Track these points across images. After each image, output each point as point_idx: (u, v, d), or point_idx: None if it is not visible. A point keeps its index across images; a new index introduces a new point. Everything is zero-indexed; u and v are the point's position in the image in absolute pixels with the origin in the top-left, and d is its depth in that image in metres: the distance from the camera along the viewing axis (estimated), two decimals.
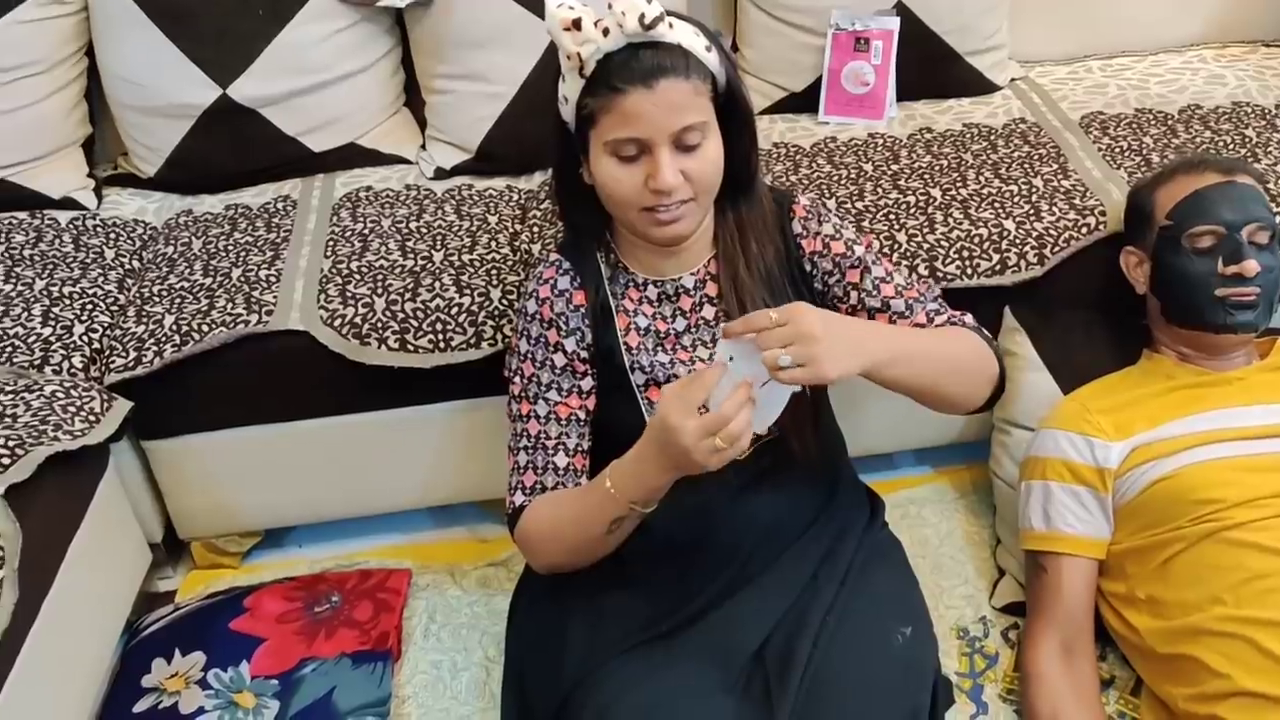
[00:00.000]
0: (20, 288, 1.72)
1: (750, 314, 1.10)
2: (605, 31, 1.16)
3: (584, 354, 1.34)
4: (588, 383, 1.35)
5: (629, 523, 1.22)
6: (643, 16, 1.14)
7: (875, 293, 1.33)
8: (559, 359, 1.34)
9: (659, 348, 1.34)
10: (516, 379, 1.36)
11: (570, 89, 1.21)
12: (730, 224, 1.34)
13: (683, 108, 1.17)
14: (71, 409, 1.51)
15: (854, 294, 1.34)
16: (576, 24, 1.16)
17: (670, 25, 1.17)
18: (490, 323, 1.62)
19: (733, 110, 1.25)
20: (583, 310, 1.34)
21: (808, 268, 1.36)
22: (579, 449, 1.33)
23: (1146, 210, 1.57)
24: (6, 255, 1.79)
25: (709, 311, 1.35)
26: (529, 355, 1.35)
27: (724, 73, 1.23)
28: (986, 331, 1.33)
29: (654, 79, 1.16)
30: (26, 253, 1.80)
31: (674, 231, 1.25)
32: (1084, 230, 1.70)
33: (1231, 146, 1.83)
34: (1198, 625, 1.33)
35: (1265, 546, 1.33)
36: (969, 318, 1.34)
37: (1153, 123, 1.93)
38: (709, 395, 1.08)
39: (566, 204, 1.37)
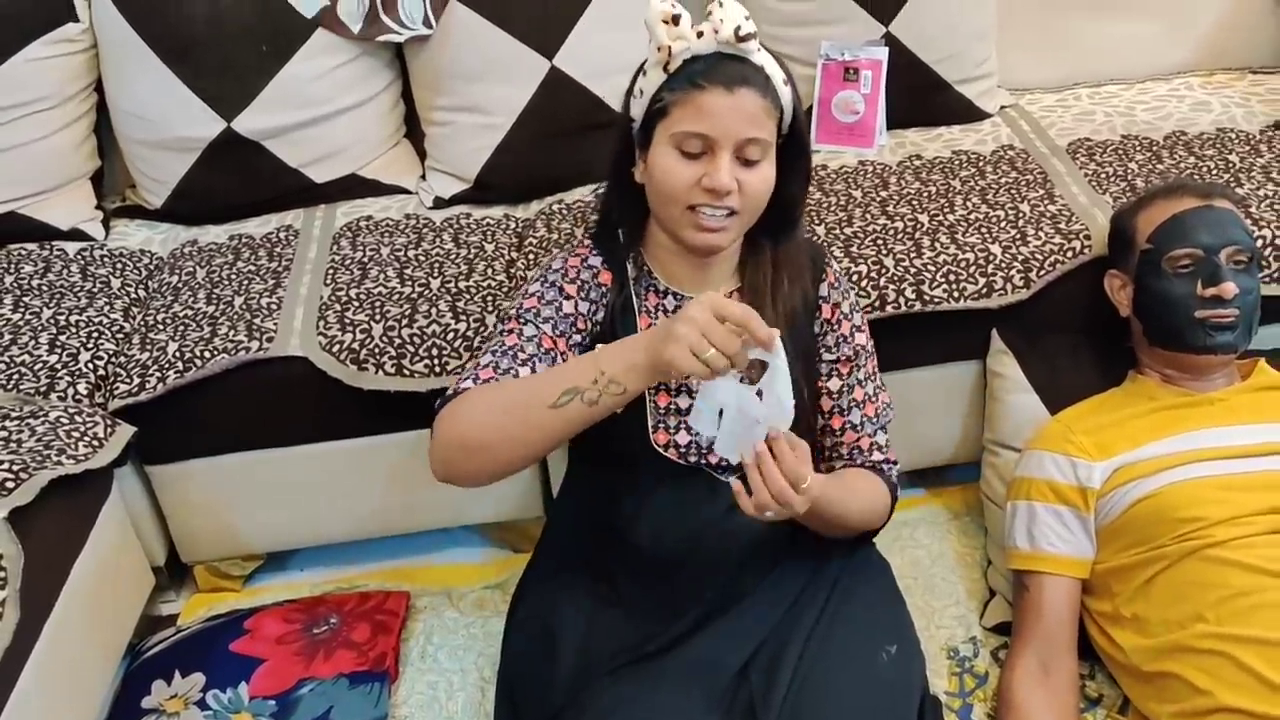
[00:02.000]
0: (28, 316, 1.76)
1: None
2: (699, 34, 1.20)
3: (592, 322, 1.34)
4: (578, 339, 1.33)
5: (574, 409, 1.12)
6: (738, 29, 1.19)
7: (847, 391, 1.39)
8: (567, 306, 1.32)
9: None
10: (513, 309, 1.33)
11: (650, 82, 1.25)
12: (766, 259, 1.36)
13: (754, 120, 1.21)
14: (76, 434, 1.54)
15: (834, 380, 1.40)
16: (675, 20, 1.20)
17: (759, 48, 1.23)
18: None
19: (792, 148, 1.29)
20: (605, 289, 1.35)
21: (817, 330, 1.40)
22: None
23: (1128, 234, 1.60)
24: (15, 285, 1.83)
25: None
26: (538, 294, 1.33)
27: (793, 111, 1.28)
28: (895, 482, 1.42)
29: (735, 85, 1.20)
30: (35, 282, 1.84)
31: (711, 240, 1.27)
32: (1069, 254, 1.72)
33: (1215, 172, 1.85)
34: (1181, 643, 1.35)
35: (1247, 564, 1.34)
36: (895, 468, 1.42)
37: (1138, 149, 1.95)
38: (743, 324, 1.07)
39: (615, 198, 1.39)
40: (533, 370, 1.25)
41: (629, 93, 1.29)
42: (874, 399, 1.41)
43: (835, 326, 1.39)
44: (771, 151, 1.26)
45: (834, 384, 1.39)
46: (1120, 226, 1.64)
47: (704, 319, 1.05)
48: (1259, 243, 1.70)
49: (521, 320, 1.30)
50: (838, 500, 1.29)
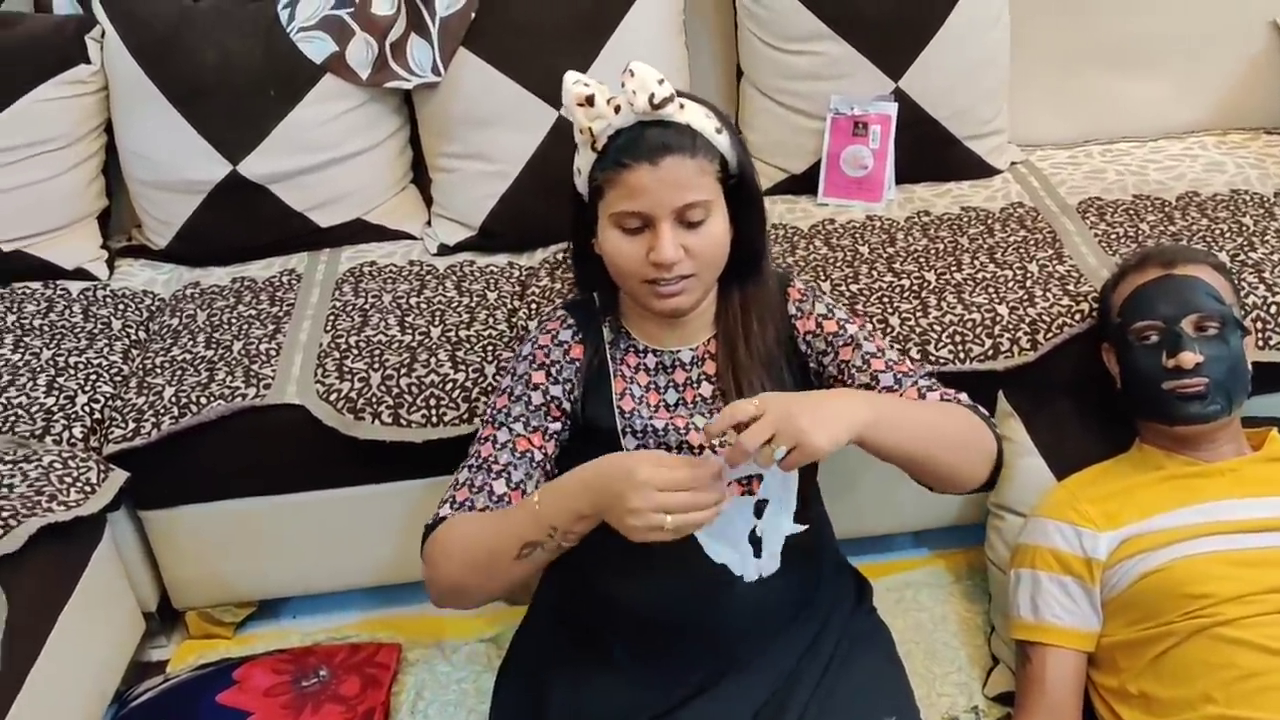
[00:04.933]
0: (28, 357, 1.76)
1: (732, 406, 1.09)
2: (617, 109, 1.20)
3: (565, 404, 1.34)
4: (556, 427, 1.33)
5: (539, 556, 1.18)
6: (652, 96, 1.18)
7: (865, 367, 1.33)
8: (536, 397, 1.33)
9: (653, 415, 1.35)
10: (488, 411, 1.35)
11: (583, 161, 1.25)
12: (735, 304, 1.35)
13: (686, 185, 1.20)
14: (68, 479, 1.53)
15: (847, 370, 1.34)
16: (589, 100, 1.20)
17: (681, 106, 1.21)
18: (484, 398, 1.64)
19: (741, 192, 1.28)
20: (577, 364, 1.35)
21: (802, 348, 1.37)
22: (520, 485, 1.28)
23: (1107, 307, 1.61)
24: (17, 324, 1.83)
25: (706, 389, 1.35)
26: (508, 390, 1.35)
27: (734, 155, 1.26)
28: (983, 409, 1.33)
29: (659, 156, 1.19)
30: (36, 322, 1.84)
31: (673, 305, 1.27)
32: (1077, 317, 1.70)
33: (1228, 234, 1.83)
34: None
35: (1257, 644, 1.30)
36: (964, 396, 1.33)
37: (1150, 209, 1.93)
38: (687, 485, 1.07)
39: (580, 270, 1.40)
40: (508, 480, 1.28)
41: (573, 170, 1.29)
42: (899, 361, 1.35)
43: (819, 331, 1.37)
44: (717, 207, 1.24)
45: (848, 374, 1.34)
46: (1104, 299, 1.63)
47: (650, 502, 1.05)
48: (1273, 308, 1.67)
49: (495, 424, 1.32)
50: (899, 403, 1.22)
